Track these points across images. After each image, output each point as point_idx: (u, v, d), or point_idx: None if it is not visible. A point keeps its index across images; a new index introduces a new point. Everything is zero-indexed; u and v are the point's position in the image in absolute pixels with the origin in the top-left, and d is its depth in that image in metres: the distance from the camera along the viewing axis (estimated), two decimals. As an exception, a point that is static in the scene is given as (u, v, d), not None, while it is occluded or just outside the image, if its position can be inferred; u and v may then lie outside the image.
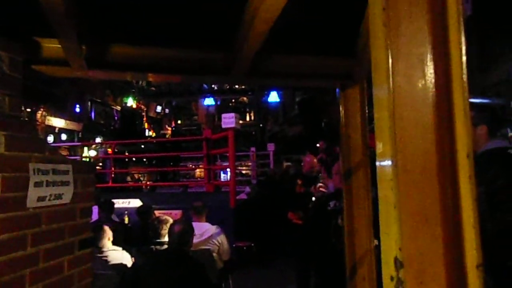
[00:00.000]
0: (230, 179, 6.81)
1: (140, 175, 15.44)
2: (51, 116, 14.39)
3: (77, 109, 16.78)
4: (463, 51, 0.84)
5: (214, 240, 3.68)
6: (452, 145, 0.83)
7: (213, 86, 20.67)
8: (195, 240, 2.97)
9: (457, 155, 0.82)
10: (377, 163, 0.89)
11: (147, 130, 22.89)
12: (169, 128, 24.02)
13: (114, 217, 4.82)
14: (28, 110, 12.55)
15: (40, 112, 13.58)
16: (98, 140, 17.60)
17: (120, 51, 1.86)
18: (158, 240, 3.06)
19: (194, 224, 3.16)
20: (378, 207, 0.88)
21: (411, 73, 0.86)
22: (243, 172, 14.00)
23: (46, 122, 14.03)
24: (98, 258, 2.94)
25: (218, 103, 22.17)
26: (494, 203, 1.68)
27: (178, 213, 5.40)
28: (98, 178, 8.76)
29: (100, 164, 12.75)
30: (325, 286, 3.27)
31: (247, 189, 7.77)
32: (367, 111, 2.13)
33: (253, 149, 11.34)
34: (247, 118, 22.96)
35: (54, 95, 14.17)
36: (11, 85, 1.48)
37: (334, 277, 2.55)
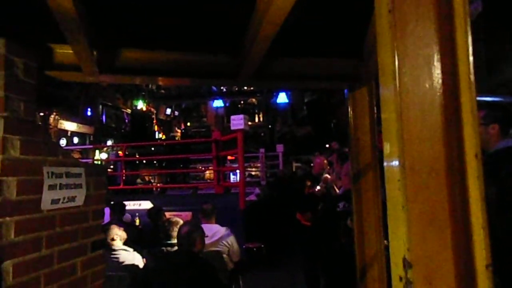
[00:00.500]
0: (239, 180, 6.82)
1: (150, 177, 15.58)
2: (63, 120, 14.64)
3: (89, 113, 17.04)
4: (470, 51, 0.84)
5: (224, 242, 3.70)
6: (460, 145, 0.83)
7: (222, 88, 20.77)
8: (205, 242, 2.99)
9: (465, 155, 0.82)
10: (385, 164, 0.89)
11: (157, 133, 23.11)
12: (179, 131, 24.20)
13: (125, 218, 4.88)
14: (42, 114, 12.79)
15: (53, 116, 13.83)
16: (109, 143, 17.84)
17: (130, 56, 1.90)
18: (168, 242, 3.09)
19: (204, 226, 3.18)
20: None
21: (418, 74, 0.86)
22: (253, 173, 14.01)
23: (59, 126, 14.28)
24: (109, 257, 2.98)
25: (227, 104, 22.26)
26: (506, 203, 1.66)
27: (188, 214, 5.44)
28: (109, 181, 8.86)
29: (112, 166, 12.91)
30: (334, 287, 3.26)
31: (257, 190, 7.78)
32: (375, 112, 2.13)
33: (262, 150, 11.36)
34: (256, 120, 22.99)
35: (66, 99, 14.41)
36: (25, 90, 1.52)
37: (343, 277, 2.54)
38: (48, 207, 1.55)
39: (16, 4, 1.68)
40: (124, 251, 3.18)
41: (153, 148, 17.12)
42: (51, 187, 1.57)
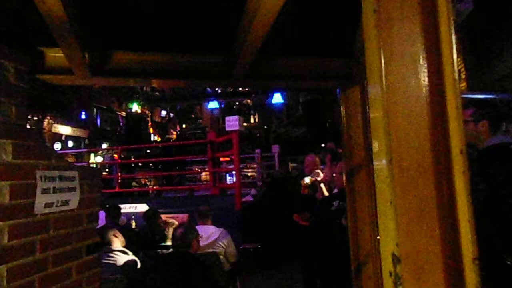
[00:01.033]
0: (235, 181, 6.83)
1: (146, 180, 15.53)
2: (57, 123, 14.56)
3: (83, 116, 16.96)
4: (454, 50, 0.86)
5: (220, 243, 3.70)
6: (446, 141, 0.85)
7: (216, 89, 20.75)
8: (201, 243, 2.99)
9: (451, 151, 0.84)
10: (374, 161, 0.91)
11: (152, 135, 23.04)
12: (174, 132, 24.15)
13: (121, 221, 4.87)
14: (35, 118, 12.71)
15: (46, 120, 13.75)
16: (104, 146, 17.76)
17: (122, 58, 1.90)
18: (164, 244, 3.10)
19: (200, 227, 3.19)
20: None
21: (404, 72, 0.88)
22: (249, 174, 14.01)
23: (53, 130, 14.20)
24: (105, 259, 2.97)
25: (222, 106, 22.24)
26: (497, 199, 1.68)
27: (184, 216, 5.43)
28: (105, 184, 8.84)
29: (107, 169, 12.85)
30: (330, 286, 3.28)
31: (253, 191, 7.78)
32: (368, 110, 2.14)
33: (258, 151, 11.36)
34: (252, 120, 23.01)
35: (60, 103, 14.33)
36: (17, 94, 1.52)
37: (339, 277, 2.56)
38: (41, 211, 1.55)
39: (6, 7, 1.68)
40: (120, 252, 3.17)
41: (148, 151, 17.06)
42: (45, 191, 1.57)
